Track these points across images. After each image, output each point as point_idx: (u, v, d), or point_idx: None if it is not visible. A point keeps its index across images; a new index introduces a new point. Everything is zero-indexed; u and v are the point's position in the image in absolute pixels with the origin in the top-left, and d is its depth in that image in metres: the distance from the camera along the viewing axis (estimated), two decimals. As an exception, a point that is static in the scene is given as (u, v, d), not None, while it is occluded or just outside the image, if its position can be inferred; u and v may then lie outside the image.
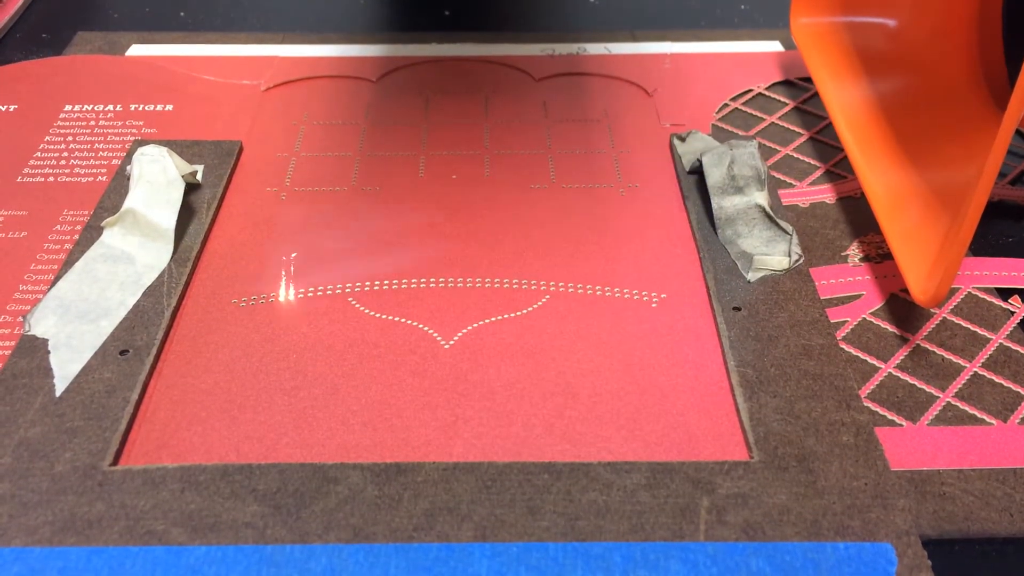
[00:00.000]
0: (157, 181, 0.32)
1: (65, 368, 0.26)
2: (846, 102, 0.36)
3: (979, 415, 0.26)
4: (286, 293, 0.30)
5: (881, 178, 0.32)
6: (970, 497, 0.24)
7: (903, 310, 0.30)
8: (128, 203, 0.31)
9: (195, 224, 0.32)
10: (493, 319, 0.29)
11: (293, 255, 0.31)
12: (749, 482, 0.23)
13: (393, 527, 0.22)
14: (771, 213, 0.31)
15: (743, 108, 0.40)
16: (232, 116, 0.39)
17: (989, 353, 0.28)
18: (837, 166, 0.36)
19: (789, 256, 0.30)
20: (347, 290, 0.30)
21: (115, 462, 0.24)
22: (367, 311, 0.29)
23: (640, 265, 0.31)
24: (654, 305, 0.29)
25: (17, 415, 0.25)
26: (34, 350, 0.27)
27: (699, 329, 0.28)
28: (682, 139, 0.36)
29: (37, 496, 0.23)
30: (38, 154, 0.37)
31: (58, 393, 0.26)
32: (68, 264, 0.30)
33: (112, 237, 0.31)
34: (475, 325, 0.29)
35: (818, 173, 0.36)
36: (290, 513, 0.23)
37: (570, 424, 0.25)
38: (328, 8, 0.49)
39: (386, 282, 0.30)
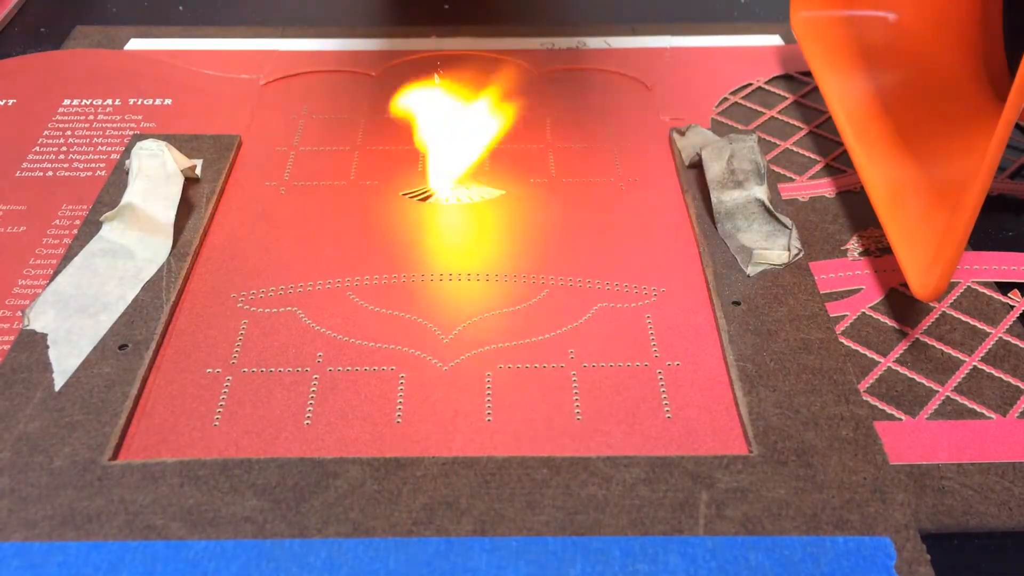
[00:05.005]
0: (156, 175, 0.32)
1: (64, 363, 0.26)
2: (846, 96, 0.36)
3: (978, 409, 0.26)
4: (284, 287, 0.30)
5: (881, 172, 0.32)
6: (969, 491, 0.24)
7: (902, 304, 0.29)
8: (127, 197, 0.31)
9: (194, 219, 0.32)
10: (492, 313, 0.29)
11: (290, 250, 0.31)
12: (748, 476, 0.23)
13: (392, 521, 0.22)
14: (770, 207, 0.31)
15: (743, 102, 0.40)
16: (231, 110, 0.39)
17: (988, 347, 0.28)
18: (837, 160, 0.36)
19: (788, 250, 0.30)
20: (346, 284, 0.30)
21: (114, 456, 0.24)
22: (366, 305, 0.29)
23: (639, 259, 0.31)
24: (653, 299, 0.29)
25: (16, 410, 0.25)
26: (33, 344, 0.27)
27: (698, 323, 0.28)
28: (681, 133, 0.36)
29: (36, 491, 0.23)
30: (37, 148, 0.37)
31: (57, 388, 0.26)
32: (67, 258, 0.30)
33: (111, 231, 0.31)
34: (474, 319, 0.29)
35: (818, 167, 0.36)
36: (289, 507, 0.23)
37: (569, 418, 0.25)
38: (327, 2, 0.49)
39: (385, 276, 0.30)
